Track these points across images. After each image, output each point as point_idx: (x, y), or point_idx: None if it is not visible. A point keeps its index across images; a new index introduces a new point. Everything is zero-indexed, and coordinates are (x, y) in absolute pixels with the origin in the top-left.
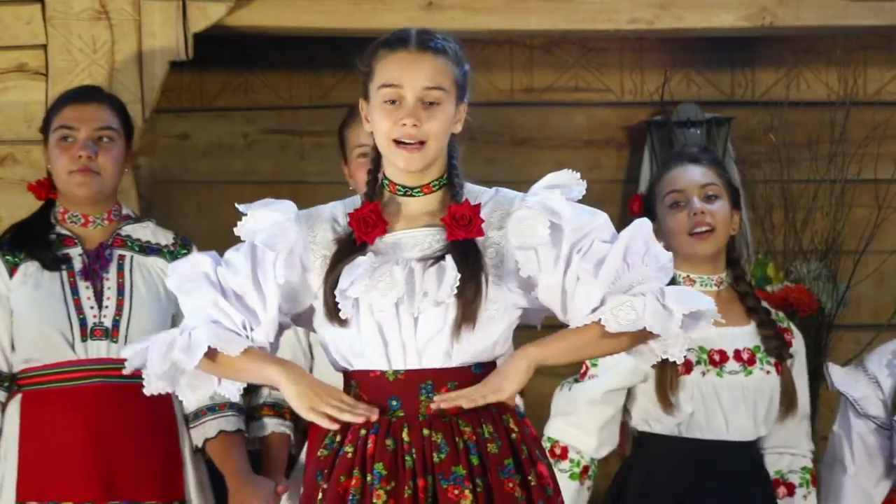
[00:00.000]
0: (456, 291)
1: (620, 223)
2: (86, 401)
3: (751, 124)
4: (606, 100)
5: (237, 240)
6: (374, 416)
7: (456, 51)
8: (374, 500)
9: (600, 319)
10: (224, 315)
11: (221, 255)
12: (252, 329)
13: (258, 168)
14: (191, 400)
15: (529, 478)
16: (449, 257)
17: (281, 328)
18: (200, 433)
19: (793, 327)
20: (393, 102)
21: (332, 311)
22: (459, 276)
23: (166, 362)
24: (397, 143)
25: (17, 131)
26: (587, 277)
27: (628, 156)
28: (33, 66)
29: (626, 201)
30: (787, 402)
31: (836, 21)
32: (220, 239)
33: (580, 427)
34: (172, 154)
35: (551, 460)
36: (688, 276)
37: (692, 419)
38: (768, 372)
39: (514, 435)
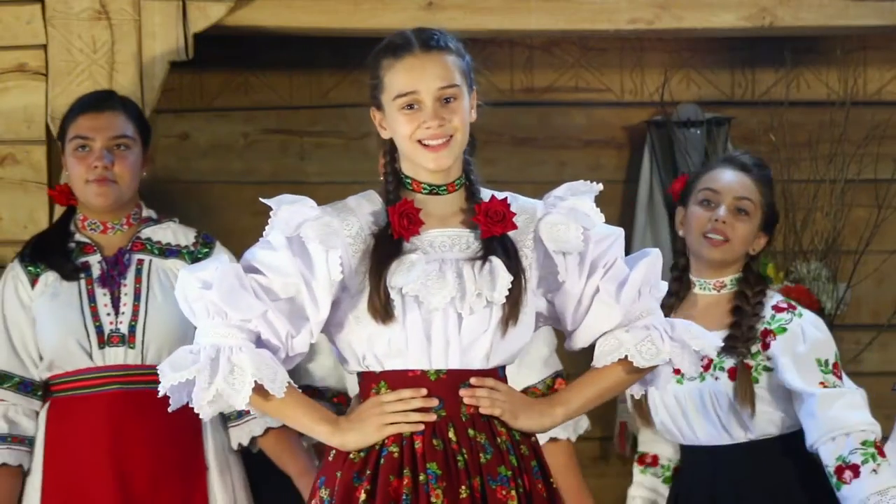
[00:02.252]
0: (507, 293)
1: (620, 223)
2: (105, 408)
3: (751, 124)
4: (606, 100)
5: (237, 240)
6: (432, 402)
7: (456, 44)
8: (433, 500)
9: (626, 357)
10: (270, 328)
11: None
12: (293, 338)
13: (258, 168)
14: (237, 401)
15: (551, 479)
16: (495, 259)
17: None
18: (246, 431)
19: (790, 327)
20: (411, 107)
21: (384, 308)
22: (512, 277)
23: (210, 390)
24: (422, 144)
25: (17, 131)
26: (608, 299)
27: (628, 156)
28: (33, 66)
29: (626, 201)
30: (741, 403)
31: (836, 21)
32: (220, 239)
33: (661, 439)
34: (172, 154)
35: (641, 467)
36: (691, 278)
37: (665, 428)
38: (717, 378)
39: (533, 438)
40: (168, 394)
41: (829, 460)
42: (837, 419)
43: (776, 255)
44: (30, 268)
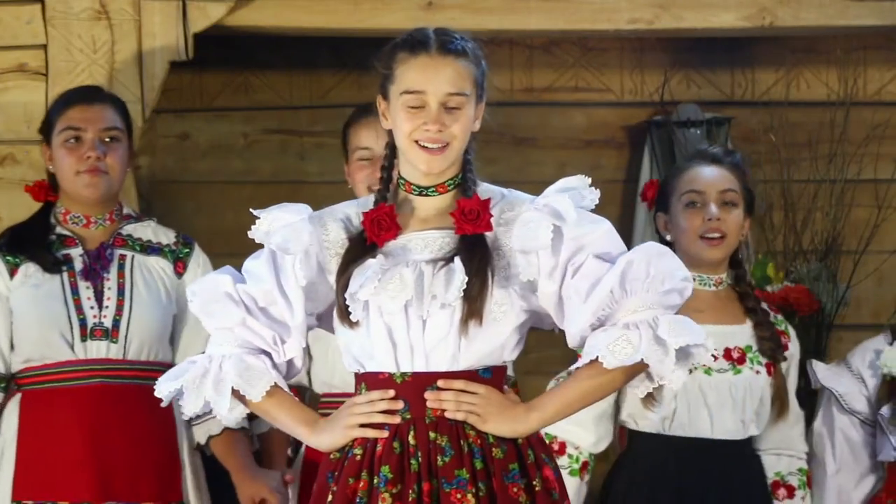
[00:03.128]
0: (462, 294)
1: (620, 223)
2: (85, 401)
3: (751, 124)
4: (606, 100)
5: (237, 239)
6: (398, 405)
7: (475, 50)
8: (380, 503)
9: (598, 357)
10: (253, 334)
11: (230, 264)
12: (284, 342)
13: (258, 168)
14: (229, 419)
15: (535, 482)
16: (457, 259)
17: (307, 329)
18: (204, 430)
19: (790, 331)
20: (415, 107)
21: (344, 314)
22: (466, 278)
23: (199, 400)
24: (419, 144)
25: (17, 131)
26: (577, 300)
27: (628, 156)
28: (33, 66)
29: (626, 201)
30: (780, 404)
31: (836, 21)
32: (220, 239)
33: (577, 422)
34: (172, 154)
35: None
36: None
37: (675, 416)
38: (758, 372)
39: (520, 440)
40: (166, 400)
41: (769, 472)
42: (791, 439)
43: (776, 255)
44: (8, 258)
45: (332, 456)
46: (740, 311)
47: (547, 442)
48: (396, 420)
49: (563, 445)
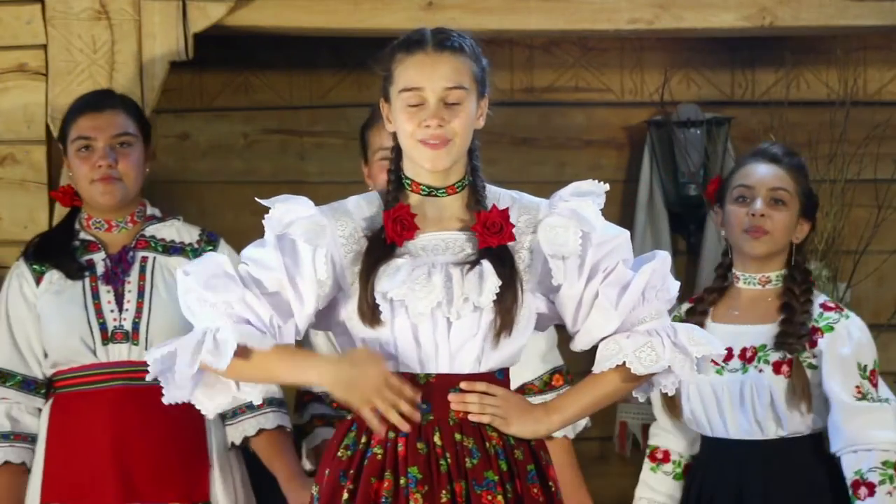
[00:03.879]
0: (495, 297)
1: (621, 223)
2: (108, 403)
3: (751, 124)
4: (606, 100)
5: (237, 239)
6: (416, 416)
7: (473, 46)
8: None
9: (625, 363)
10: (250, 311)
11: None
12: (279, 326)
13: (258, 168)
14: (208, 408)
15: (550, 483)
16: (486, 262)
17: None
18: (239, 431)
19: (837, 327)
20: (415, 105)
21: (371, 312)
22: (500, 282)
23: (195, 364)
24: (422, 143)
25: (17, 131)
26: (607, 305)
27: (628, 156)
28: (33, 66)
29: (626, 201)
30: (798, 400)
31: (836, 21)
32: (222, 238)
33: (671, 431)
34: (172, 154)
35: (653, 464)
36: (735, 273)
37: (694, 418)
38: (761, 370)
39: (533, 442)
40: (158, 378)
41: (848, 472)
42: (862, 433)
43: None
44: (34, 266)
45: (340, 454)
46: (776, 310)
47: (649, 451)
48: (406, 428)
49: (667, 453)
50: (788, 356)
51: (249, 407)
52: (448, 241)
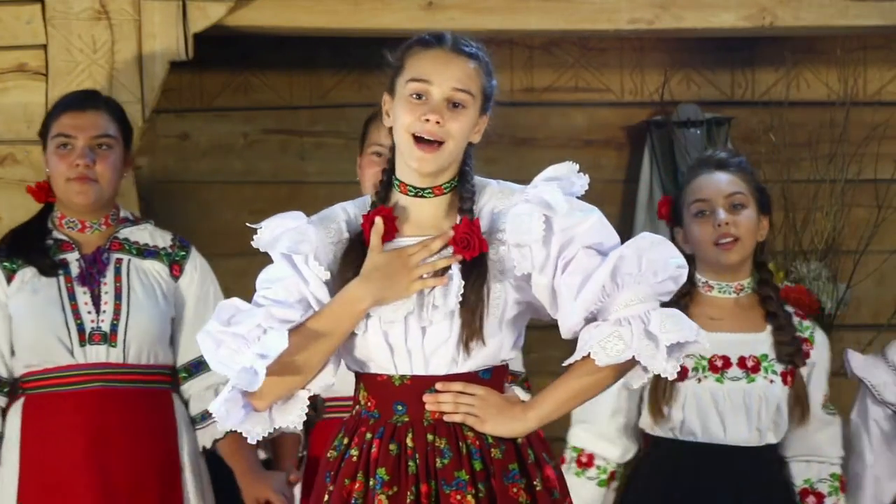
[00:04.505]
0: (461, 299)
1: (620, 223)
2: (85, 405)
3: (751, 124)
4: (606, 100)
5: (237, 239)
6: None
7: (487, 62)
8: None
9: (590, 354)
10: (278, 322)
11: (229, 264)
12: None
13: (258, 168)
14: (290, 420)
15: (535, 482)
16: (455, 266)
17: None
18: (209, 434)
19: (816, 337)
20: (419, 97)
21: None
22: (463, 283)
23: (262, 372)
24: (416, 139)
25: (17, 131)
26: (569, 295)
27: (628, 156)
28: (33, 66)
29: (626, 201)
30: (800, 410)
31: (836, 21)
32: (220, 239)
33: (603, 436)
34: (172, 154)
35: (578, 468)
36: (706, 282)
37: (684, 425)
38: (772, 381)
39: (519, 440)
40: (236, 428)
41: (798, 479)
42: (820, 446)
43: (776, 255)
44: (5, 263)
45: (329, 455)
46: (761, 318)
47: (575, 455)
48: (457, 258)
49: (591, 458)
50: (790, 367)
51: None
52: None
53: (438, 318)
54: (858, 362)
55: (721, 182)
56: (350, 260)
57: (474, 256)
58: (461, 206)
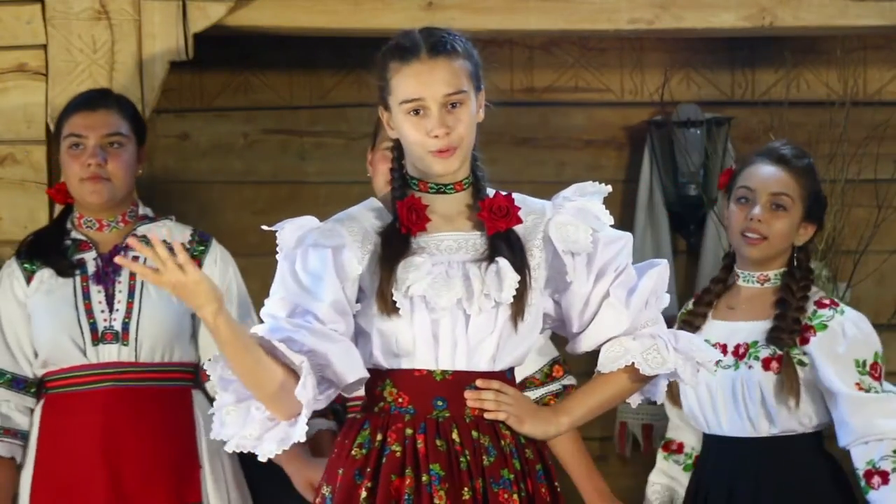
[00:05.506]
0: (514, 292)
1: (621, 223)
2: (98, 405)
3: (751, 124)
4: (606, 100)
5: (237, 239)
6: None
7: (464, 46)
8: (436, 501)
9: (633, 363)
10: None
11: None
12: (335, 331)
13: (258, 168)
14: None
15: (556, 483)
16: (502, 260)
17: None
18: None
19: (831, 325)
20: (417, 112)
21: (389, 307)
22: (519, 277)
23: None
24: (431, 153)
25: (17, 131)
26: (619, 305)
27: (628, 156)
28: (33, 66)
29: (626, 201)
30: (786, 393)
31: (836, 21)
32: (221, 239)
33: (685, 426)
34: (172, 154)
35: (666, 453)
36: (736, 271)
37: (693, 415)
38: (750, 367)
39: (539, 441)
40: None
41: (860, 463)
42: (871, 423)
43: None
44: (26, 265)
45: (354, 453)
46: (770, 307)
47: (664, 443)
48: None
49: (681, 445)
50: (779, 352)
51: None
52: (460, 240)
53: (487, 307)
54: None
55: (772, 177)
56: (393, 252)
57: (511, 227)
58: (480, 190)
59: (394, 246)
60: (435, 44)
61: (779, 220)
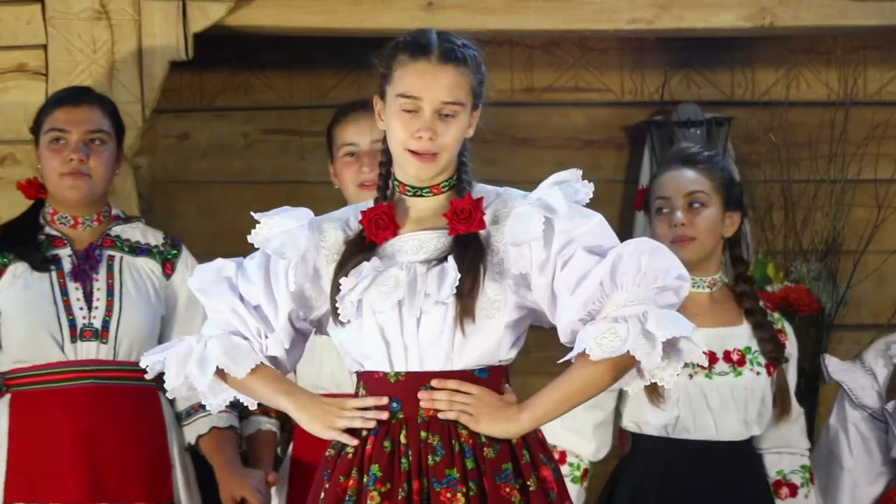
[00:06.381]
0: (455, 291)
1: (620, 223)
2: (75, 402)
3: (751, 124)
4: (606, 100)
5: (237, 239)
6: (384, 415)
7: (476, 57)
8: (368, 502)
9: (585, 349)
10: (240, 321)
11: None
12: (266, 336)
13: (258, 168)
14: (213, 404)
15: (529, 482)
16: (451, 258)
17: (303, 335)
18: (193, 430)
19: (787, 329)
20: (410, 111)
21: (334, 313)
22: (459, 275)
23: (181, 375)
24: (411, 152)
25: (17, 131)
26: (566, 293)
27: (628, 156)
28: (33, 66)
29: (626, 201)
30: (782, 403)
31: (836, 21)
32: (220, 239)
33: (577, 431)
34: (172, 154)
35: None
36: None
37: (679, 422)
38: (758, 373)
39: (514, 440)
40: (152, 373)
41: (770, 471)
42: (791, 437)
43: (776, 255)
44: None
45: (327, 453)
46: (737, 312)
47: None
48: (371, 424)
49: (563, 454)
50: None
51: (203, 407)
52: (423, 240)
53: (429, 307)
54: (835, 366)
55: (682, 180)
56: (347, 259)
57: (471, 231)
58: (459, 194)
59: (346, 258)
60: (448, 50)
61: (700, 218)
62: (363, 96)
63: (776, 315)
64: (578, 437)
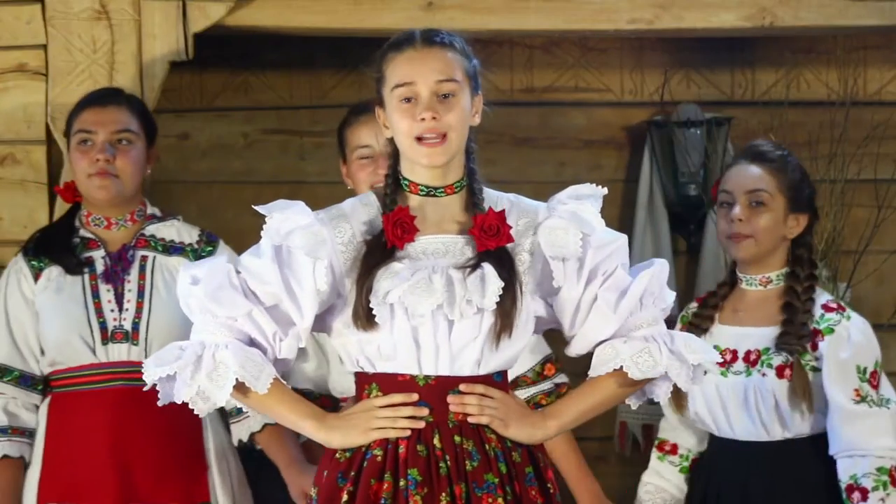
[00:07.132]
0: (498, 298)
1: (620, 223)
2: (107, 403)
3: (751, 124)
4: (606, 100)
5: (237, 239)
6: (420, 424)
7: (462, 45)
8: None
9: (622, 367)
10: (255, 327)
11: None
12: (282, 339)
13: (258, 168)
14: (202, 408)
15: (548, 485)
16: (487, 265)
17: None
18: (245, 427)
19: (838, 330)
20: (408, 100)
21: (367, 316)
22: (502, 284)
23: (193, 387)
24: (419, 140)
25: (17, 131)
26: (605, 309)
27: (628, 156)
28: (33, 66)
29: (626, 201)
30: (799, 399)
31: (836, 21)
32: (221, 239)
33: (684, 426)
34: (172, 154)
35: (660, 454)
36: (740, 275)
37: (699, 418)
38: (764, 374)
39: (533, 444)
40: (158, 388)
41: (843, 476)
42: (859, 438)
43: None
44: (33, 262)
45: (338, 455)
46: (778, 313)
47: (658, 443)
48: (421, 425)
49: (674, 447)
50: (791, 359)
51: None
52: (447, 244)
53: (469, 314)
54: None
55: (746, 176)
56: (374, 261)
57: (500, 246)
58: (475, 203)
59: (374, 260)
60: (430, 35)
61: (760, 216)
62: (363, 96)
63: (833, 316)
64: (685, 433)
